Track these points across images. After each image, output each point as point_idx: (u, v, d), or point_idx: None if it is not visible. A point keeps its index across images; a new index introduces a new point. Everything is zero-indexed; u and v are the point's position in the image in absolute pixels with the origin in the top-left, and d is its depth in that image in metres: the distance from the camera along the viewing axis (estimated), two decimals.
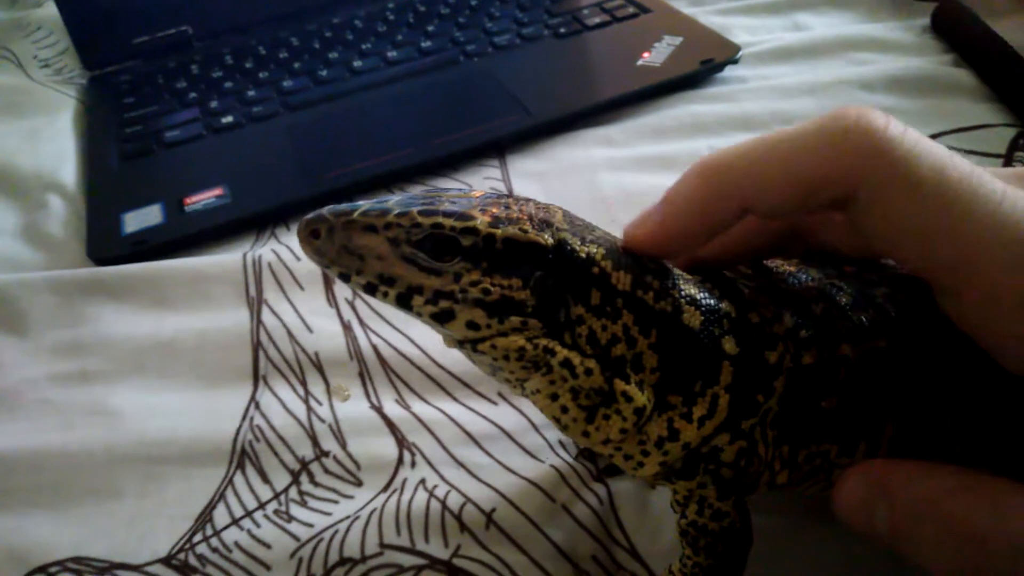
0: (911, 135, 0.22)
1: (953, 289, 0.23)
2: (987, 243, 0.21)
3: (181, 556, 0.35)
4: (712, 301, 0.26)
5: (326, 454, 0.39)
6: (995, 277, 0.22)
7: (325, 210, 0.25)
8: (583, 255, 0.25)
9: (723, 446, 0.26)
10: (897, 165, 0.22)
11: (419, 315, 0.25)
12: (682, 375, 0.26)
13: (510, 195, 0.27)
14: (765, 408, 0.26)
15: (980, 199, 0.21)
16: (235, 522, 0.36)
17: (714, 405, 0.26)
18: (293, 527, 0.36)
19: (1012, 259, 0.21)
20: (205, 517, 0.37)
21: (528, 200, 0.27)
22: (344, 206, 0.25)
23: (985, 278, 0.22)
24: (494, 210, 0.25)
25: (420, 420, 0.40)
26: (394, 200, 0.25)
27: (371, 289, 0.25)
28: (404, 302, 0.25)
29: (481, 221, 0.24)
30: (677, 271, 0.27)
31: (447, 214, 0.24)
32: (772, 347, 0.26)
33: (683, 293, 0.26)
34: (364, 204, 0.25)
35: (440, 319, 0.25)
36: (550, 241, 0.25)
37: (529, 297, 0.24)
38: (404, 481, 0.37)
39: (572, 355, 0.25)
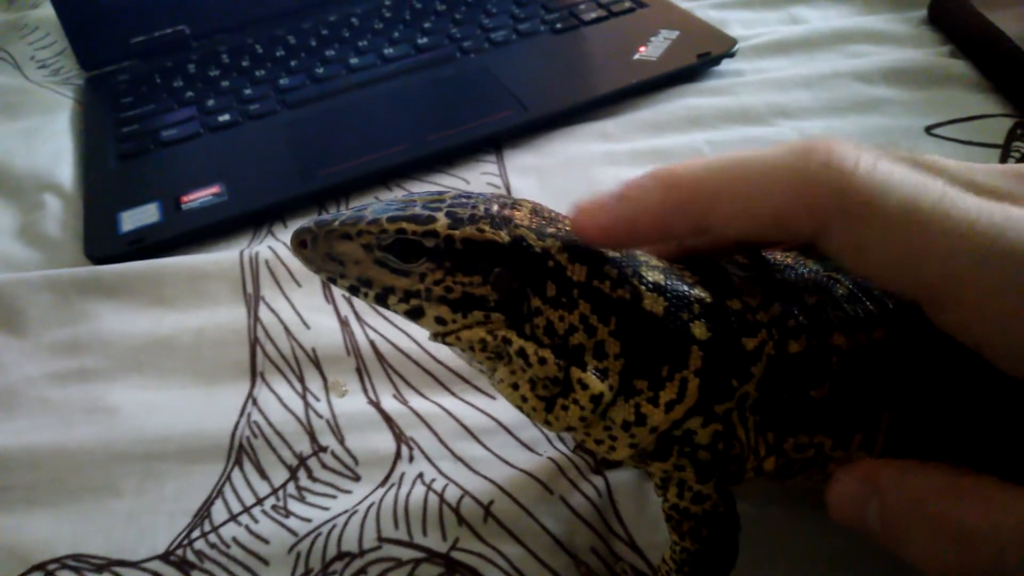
0: (881, 169, 0.22)
1: (938, 309, 0.23)
2: (966, 264, 0.21)
3: (179, 552, 0.35)
4: (682, 288, 0.27)
5: (324, 449, 0.39)
6: (977, 293, 0.22)
7: (311, 221, 0.27)
8: (538, 249, 0.26)
9: (696, 429, 0.27)
10: (867, 202, 0.22)
11: (396, 312, 0.27)
12: (647, 360, 0.26)
13: (479, 195, 0.28)
14: (741, 393, 0.26)
15: (954, 222, 0.21)
16: (233, 518, 0.36)
17: (683, 389, 0.26)
18: (291, 522, 0.36)
19: (993, 276, 0.21)
20: (203, 513, 0.37)
21: (498, 197, 0.28)
22: (327, 216, 0.27)
23: (967, 298, 0.22)
24: (458, 211, 0.26)
25: (418, 415, 0.40)
26: (372, 208, 0.27)
27: (354, 291, 0.27)
28: (381, 301, 0.27)
29: (441, 223, 0.26)
30: (644, 258, 0.27)
31: (411, 219, 0.26)
32: (751, 333, 0.26)
33: (645, 280, 0.26)
34: (345, 214, 0.27)
35: (412, 316, 0.27)
36: (506, 238, 0.26)
37: (490, 292, 0.26)
38: (402, 475, 0.37)
39: (527, 345, 0.26)
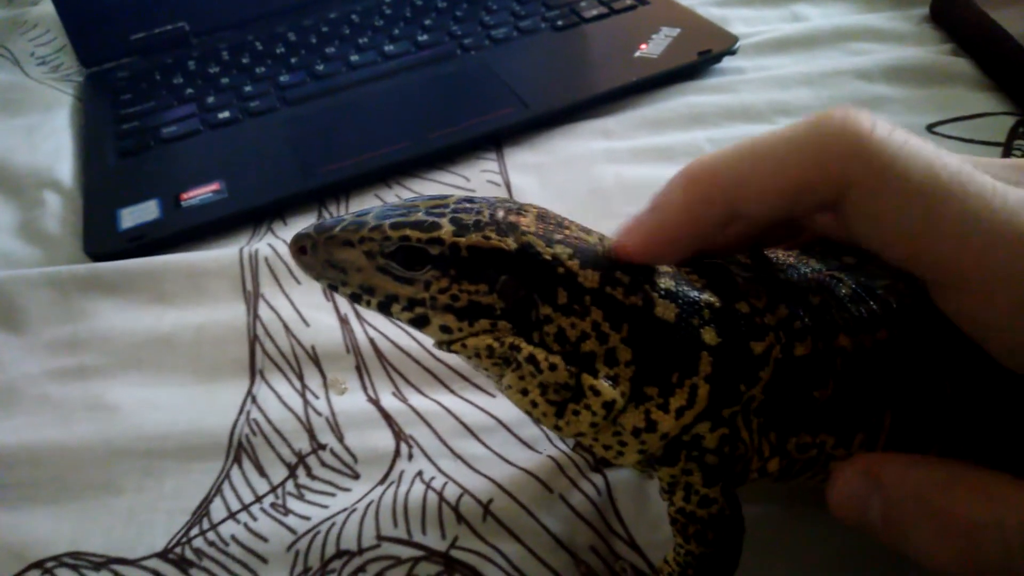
0: (898, 136, 0.22)
1: (946, 287, 0.23)
2: (979, 241, 0.21)
3: (178, 550, 0.35)
4: (692, 293, 0.26)
5: (323, 447, 0.39)
6: (988, 276, 0.21)
7: (311, 227, 0.27)
8: (548, 256, 0.25)
9: (704, 434, 0.26)
10: (885, 167, 0.22)
11: (400, 321, 0.27)
12: (658, 367, 0.26)
13: (484, 199, 0.27)
14: (748, 397, 0.26)
15: (971, 197, 0.21)
16: (232, 516, 0.36)
17: (693, 395, 0.26)
18: (290, 520, 0.36)
19: (1005, 258, 0.21)
20: (202, 511, 0.37)
21: (504, 202, 0.27)
22: (328, 221, 0.27)
23: (978, 277, 0.22)
24: (463, 217, 0.26)
25: (417, 412, 0.40)
26: (373, 213, 0.26)
27: (356, 298, 0.27)
28: (384, 309, 0.27)
29: (446, 231, 0.25)
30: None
31: (415, 226, 0.25)
32: (760, 337, 0.26)
33: (657, 286, 0.26)
34: (346, 219, 0.26)
35: (416, 324, 0.26)
36: (513, 246, 0.25)
37: (496, 301, 0.26)
38: (401, 473, 0.37)
39: (537, 351, 0.26)
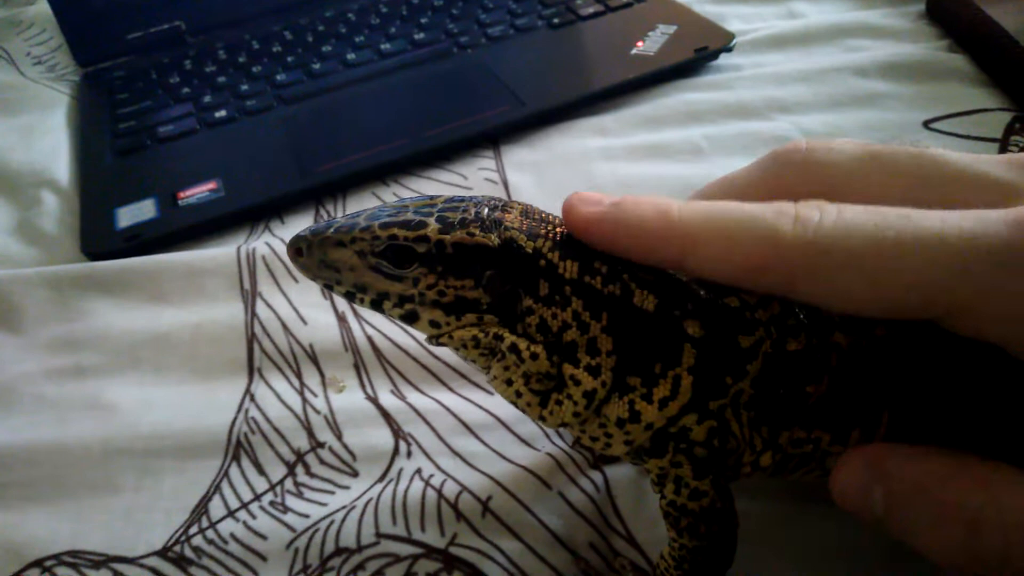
0: (845, 215, 0.23)
1: (940, 319, 0.23)
2: (947, 277, 0.22)
3: (177, 548, 0.35)
4: (676, 284, 0.27)
5: (322, 445, 0.39)
6: (970, 302, 0.22)
7: (306, 229, 0.28)
8: (529, 250, 0.26)
9: (691, 426, 0.27)
10: (829, 249, 0.23)
11: (392, 317, 0.28)
12: (640, 357, 0.26)
13: (471, 198, 0.28)
14: (736, 390, 0.26)
15: (923, 241, 0.22)
16: (231, 514, 0.36)
17: (676, 386, 0.26)
18: (289, 518, 0.36)
19: (977, 281, 0.22)
20: (201, 509, 0.37)
21: (489, 200, 0.28)
22: (322, 224, 0.28)
23: (962, 305, 0.22)
24: (448, 216, 0.26)
25: (416, 410, 0.40)
26: (365, 214, 0.27)
27: (350, 297, 0.28)
28: (377, 307, 0.28)
29: (432, 228, 0.26)
30: None
31: (402, 225, 0.26)
32: (749, 331, 0.26)
33: (636, 276, 0.26)
34: (339, 220, 0.27)
35: (407, 320, 0.27)
36: (496, 241, 0.26)
37: (483, 295, 0.26)
38: (400, 471, 0.37)
39: (519, 341, 0.26)
